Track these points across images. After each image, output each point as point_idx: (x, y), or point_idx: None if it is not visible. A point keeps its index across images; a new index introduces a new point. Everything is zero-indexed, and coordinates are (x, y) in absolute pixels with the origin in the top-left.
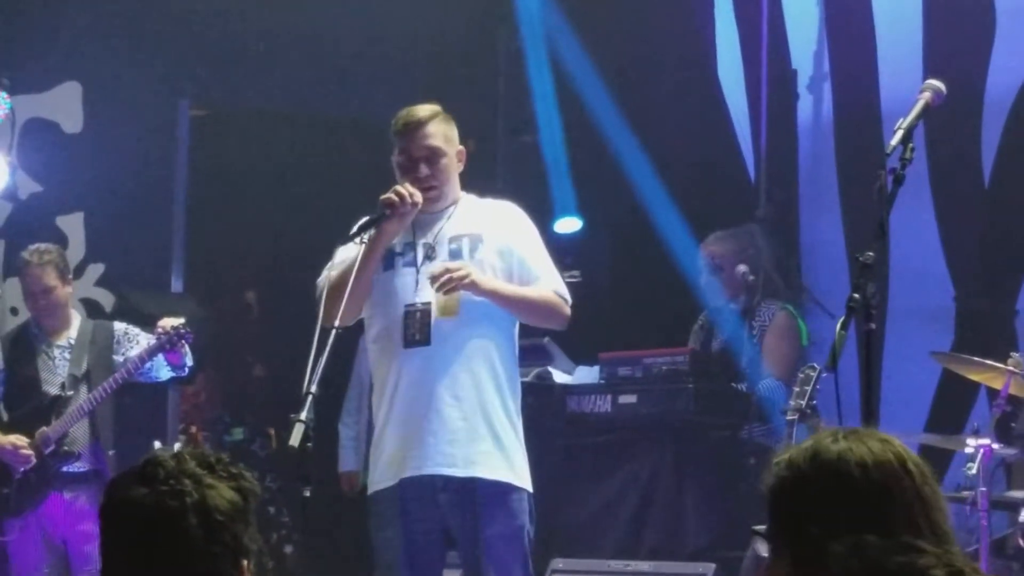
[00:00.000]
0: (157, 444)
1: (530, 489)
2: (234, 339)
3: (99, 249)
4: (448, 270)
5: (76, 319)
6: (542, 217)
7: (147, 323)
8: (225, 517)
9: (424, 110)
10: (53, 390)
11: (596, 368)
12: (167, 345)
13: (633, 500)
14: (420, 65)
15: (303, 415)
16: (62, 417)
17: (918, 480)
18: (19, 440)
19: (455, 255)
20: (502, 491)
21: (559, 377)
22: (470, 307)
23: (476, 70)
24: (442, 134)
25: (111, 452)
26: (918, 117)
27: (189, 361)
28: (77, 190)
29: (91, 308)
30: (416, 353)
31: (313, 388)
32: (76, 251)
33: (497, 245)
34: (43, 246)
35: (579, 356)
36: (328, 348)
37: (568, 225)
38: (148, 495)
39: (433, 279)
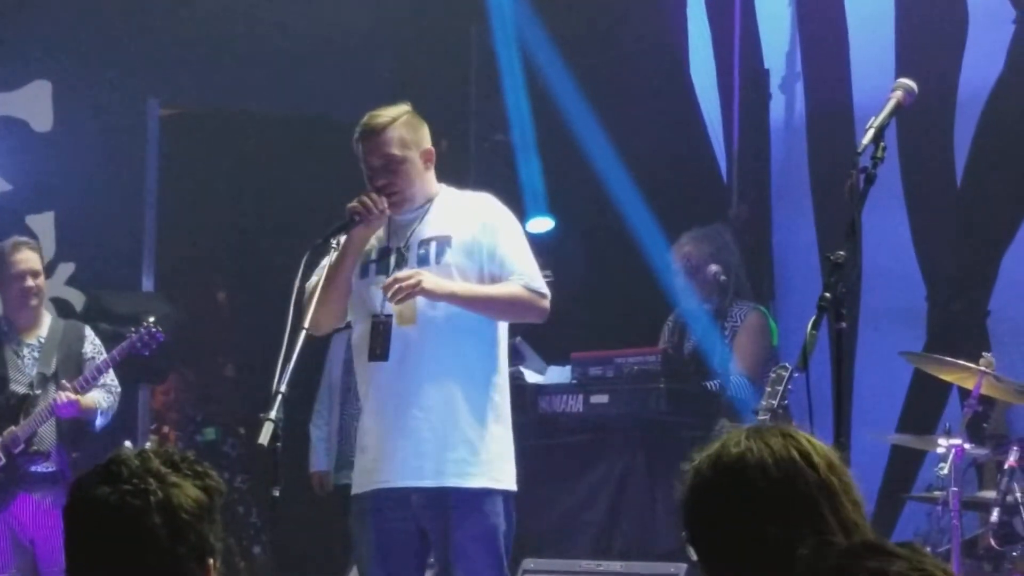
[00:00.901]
0: (128, 444)
1: (511, 489)
2: (204, 338)
3: (69, 248)
4: (396, 279)
5: (47, 318)
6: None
7: (117, 322)
8: (190, 516)
9: (382, 117)
10: (21, 389)
11: (568, 368)
12: (139, 343)
13: (605, 500)
14: (392, 64)
15: (272, 414)
16: (30, 416)
17: (823, 472)
18: None
19: (423, 261)
20: (474, 495)
21: (531, 377)
22: (430, 314)
23: (448, 69)
24: (399, 139)
25: (75, 454)
26: (890, 115)
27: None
28: (47, 189)
29: (61, 307)
30: (379, 367)
31: (283, 388)
32: (47, 250)
33: (464, 245)
34: (22, 238)
35: (551, 356)
36: (298, 349)
37: (540, 225)
38: (112, 494)
39: (385, 289)
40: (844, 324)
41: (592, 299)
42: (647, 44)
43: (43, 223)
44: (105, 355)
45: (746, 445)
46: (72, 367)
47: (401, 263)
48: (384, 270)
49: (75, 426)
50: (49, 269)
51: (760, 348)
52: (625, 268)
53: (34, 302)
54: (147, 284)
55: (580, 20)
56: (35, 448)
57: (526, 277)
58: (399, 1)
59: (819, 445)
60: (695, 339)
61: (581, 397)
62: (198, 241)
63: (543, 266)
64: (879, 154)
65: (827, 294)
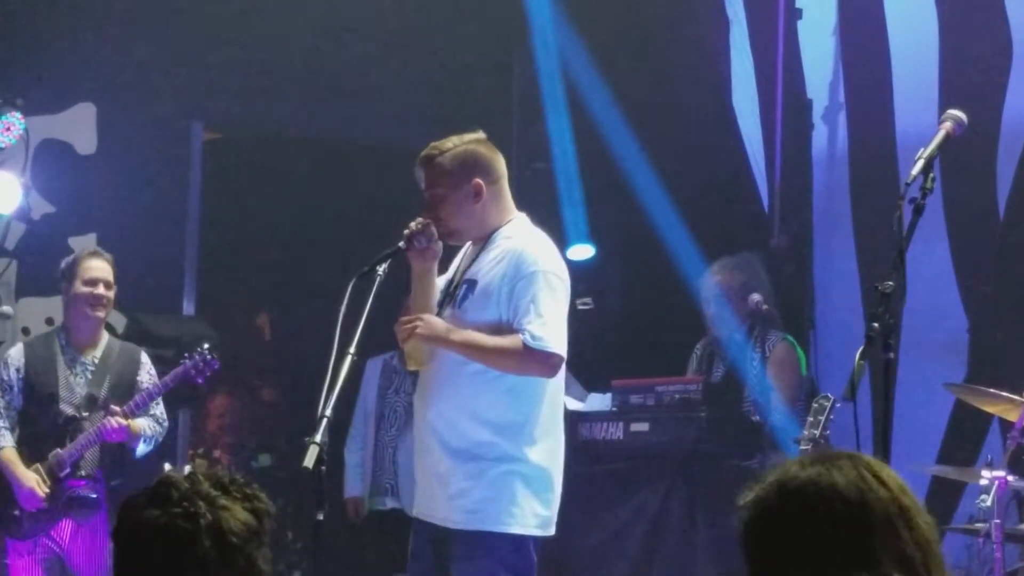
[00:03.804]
0: (167, 466)
1: (525, 534)
2: (247, 362)
3: None
4: (400, 322)
5: (105, 337)
6: (555, 244)
7: (158, 345)
8: (239, 539)
9: (432, 148)
10: (70, 410)
11: (608, 395)
12: (193, 371)
13: (643, 529)
14: (434, 91)
15: (318, 438)
16: (77, 440)
17: (896, 491)
18: (40, 484)
19: (460, 300)
20: (472, 538)
21: (571, 404)
22: (443, 356)
23: (490, 96)
24: (442, 172)
25: (114, 482)
26: (939, 147)
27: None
28: (90, 211)
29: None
30: (415, 399)
31: (328, 412)
32: None
33: (484, 291)
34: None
35: (592, 383)
36: (343, 374)
37: (581, 252)
38: (161, 516)
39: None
40: (892, 354)
41: (632, 327)
42: (690, 72)
43: (85, 245)
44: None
45: (814, 470)
46: (123, 392)
47: (449, 300)
48: (444, 303)
49: (117, 451)
50: None
51: (792, 377)
52: (666, 296)
53: (100, 313)
54: (188, 307)
55: (623, 48)
56: (81, 472)
57: (532, 332)
58: (441, 28)
59: (885, 466)
60: (725, 367)
61: (621, 425)
62: (239, 265)
63: (583, 293)
64: (928, 185)
65: (875, 324)
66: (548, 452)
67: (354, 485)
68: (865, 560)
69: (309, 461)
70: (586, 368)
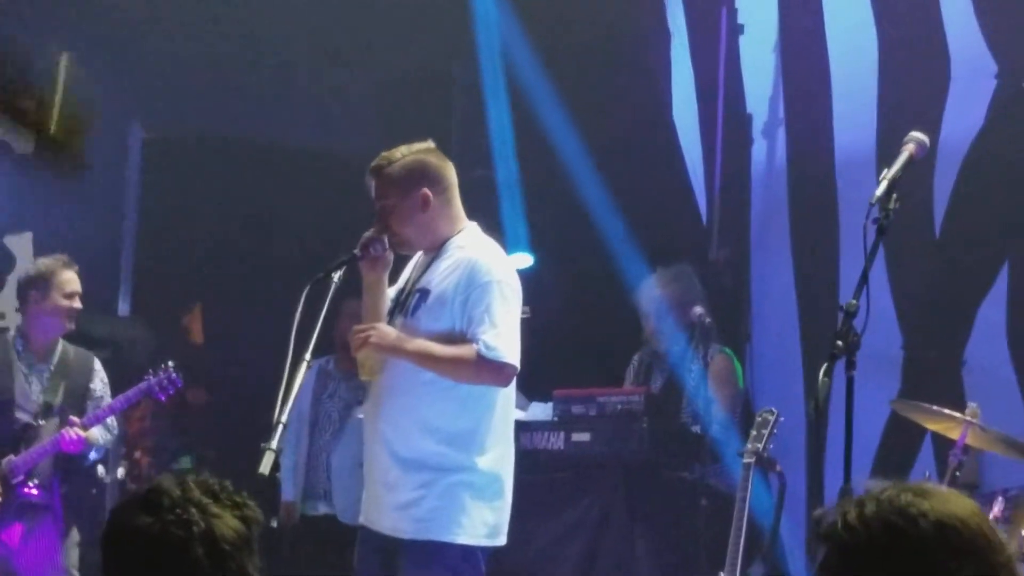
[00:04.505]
0: (101, 469)
1: (473, 544)
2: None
3: None
4: (354, 331)
5: (60, 343)
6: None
7: (92, 345)
8: (231, 546)
9: (380, 158)
10: (25, 417)
11: (550, 405)
12: (156, 387)
13: (584, 538)
14: (375, 95)
15: (273, 444)
16: (32, 448)
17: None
18: None
19: (412, 310)
20: (420, 548)
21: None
22: (395, 365)
23: (432, 102)
24: (389, 183)
25: (64, 488)
26: (903, 168)
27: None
28: (26, 209)
29: None
30: (363, 409)
31: (284, 418)
32: (24, 271)
33: (437, 301)
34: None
35: (533, 393)
36: (299, 381)
37: (520, 261)
38: (154, 524)
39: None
40: (854, 372)
41: (573, 336)
42: (631, 85)
43: (21, 244)
44: (111, 396)
45: (909, 500)
46: (77, 400)
47: (400, 310)
48: (395, 312)
49: (70, 459)
50: None
51: (730, 389)
52: (606, 305)
53: (72, 324)
54: (123, 308)
55: (565, 58)
56: (34, 480)
57: (486, 342)
58: (384, 34)
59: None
60: (663, 378)
61: (563, 435)
62: (176, 266)
63: (522, 301)
64: (892, 206)
65: (839, 342)
66: (499, 460)
67: (287, 490)
68: None
69: (265, 468)
70: (527, 377)
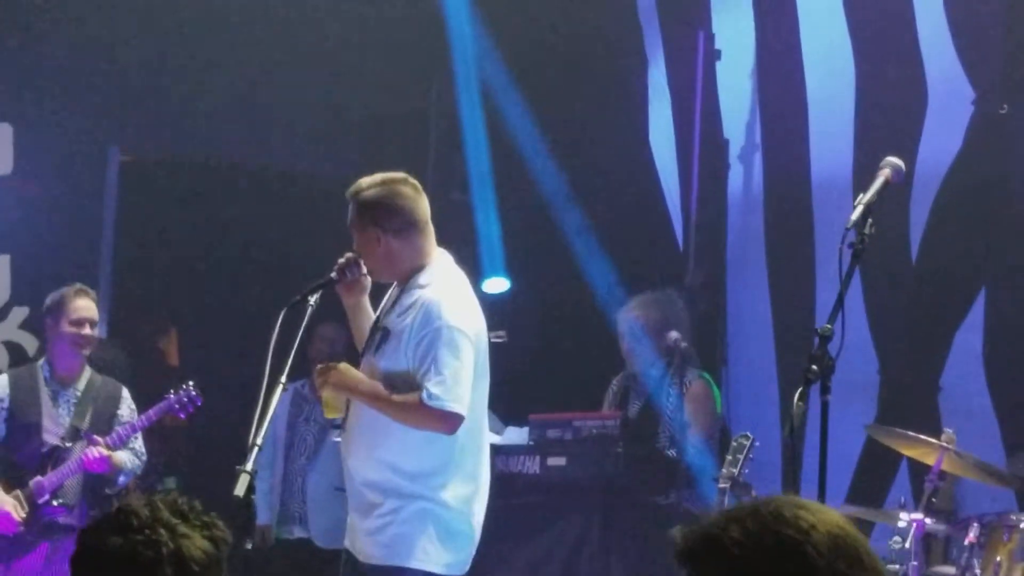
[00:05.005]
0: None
1: (434, 571)
2: (158, 385)
3: (24, 292)
4: (317, 371)
5: (87, 371)
6: (470, 277)
7: None
8: (200, 567)
9: (352, 188)
10: (52, 439)
11: (525, 429)
12: (176, 405)
13: (559, 563)
14: (352, 118)
15: (248, 466)
16: (58, 468)
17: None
18: (17, 507)
19: (376, 348)
20: (382, 572)
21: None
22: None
23: (409, 126)
24: (353, 214)
25: (93, 511)
26: (878, 193)
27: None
28: (4, 232)
29: (15, 351)
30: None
31: (259, 440)
32: (1, 293)
33: (396, 341)
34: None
35: (508, 416)
36: (275, 403)
37: (496, 285)
38: (123, 544)
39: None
40: (829, 396)
41: (549, 360)
42: (609, 109)
43: None
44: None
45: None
46: (104, 425)
47: (369, 346)
48: (366, 348)
49: (100, 483)
50: (3, 312)
51: (708, 414)
52: (582, 330)
53: (86, 351)
54: (100, 330)
55: (543, 83)
56: (60, 500)
57: (430, 391)
58: (361, 58)
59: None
60: (640, 402)
61: (538, 459)
62: (153, 289)
63: (498, 326)
64: (868, 231)
65: (814, 367)
66: (467, 498)
67: (262, 513)
68: None
69: (240, 490)
70: (503, 401)
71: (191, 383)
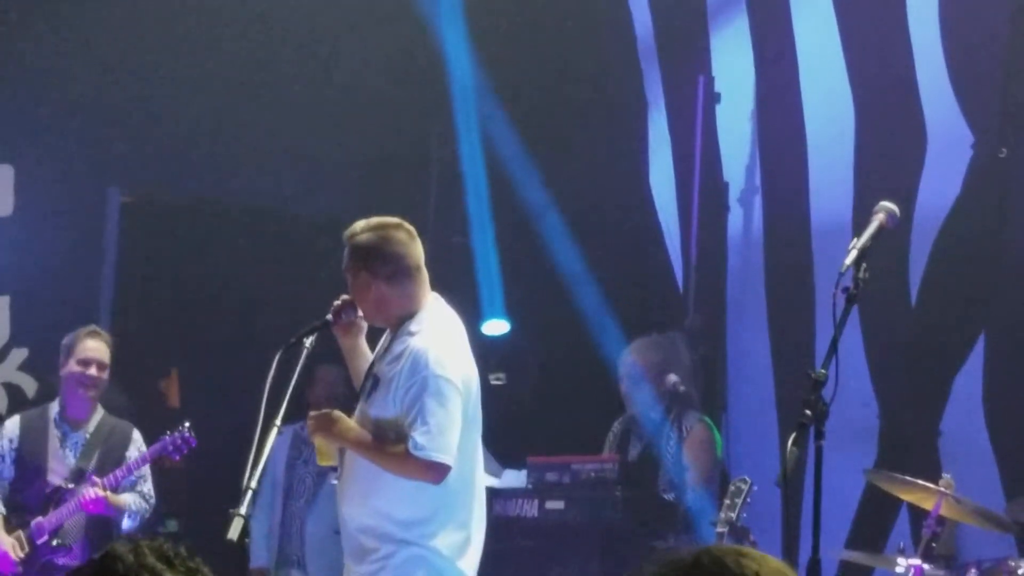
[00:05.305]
0: None
1: None
2: (158, 427)
3: (24, 334)
4: (309, 418)
5: (99, 413)
6: (470, 319)
7: None
8: None
9: (347, 231)
10: (57, 480)
11: (524, 472)
12: (171, 447)
13: None
14: (354, 161)
15: (242, 509)
16: (59, 509)
17: None
18: (16, 547)
19: (368, 394)
20: None
21: (486, 480)
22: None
23: (410, 169)
24: (346, 257)
25: (97, 555)
26: (872, 238)
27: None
28: (4, 273)
29: (13, 393)
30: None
31: (253, 483)
32: (0, 335)
33: (386, 390)
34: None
35: (507, 459)
36: (269, 446)
37: (496, 327)
38: None
39: None
40: (823, 441)
41: (548, 403)
42: (608, 152)
43: None
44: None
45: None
46: (111, 467)
47: (362, 393)
48: (360, 393)
49: (103, 525)
50: (2, 354)
51: (708, 458)
52: (581, 373)
53: (91, 393)
54: None
55: (543, 126)
56: (59, 541)
57: (416, 441)
58: (364, 101)
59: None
60: (641, 447)
61: (536, 502)
62: (153, 331)
63: (497, 368)
64: (862, 275)
65: (807, 412)
66: (456, 545)
67: (259, 555)
68: None
69: (234, 533)
70: (501, 444)
71: (187, 424)
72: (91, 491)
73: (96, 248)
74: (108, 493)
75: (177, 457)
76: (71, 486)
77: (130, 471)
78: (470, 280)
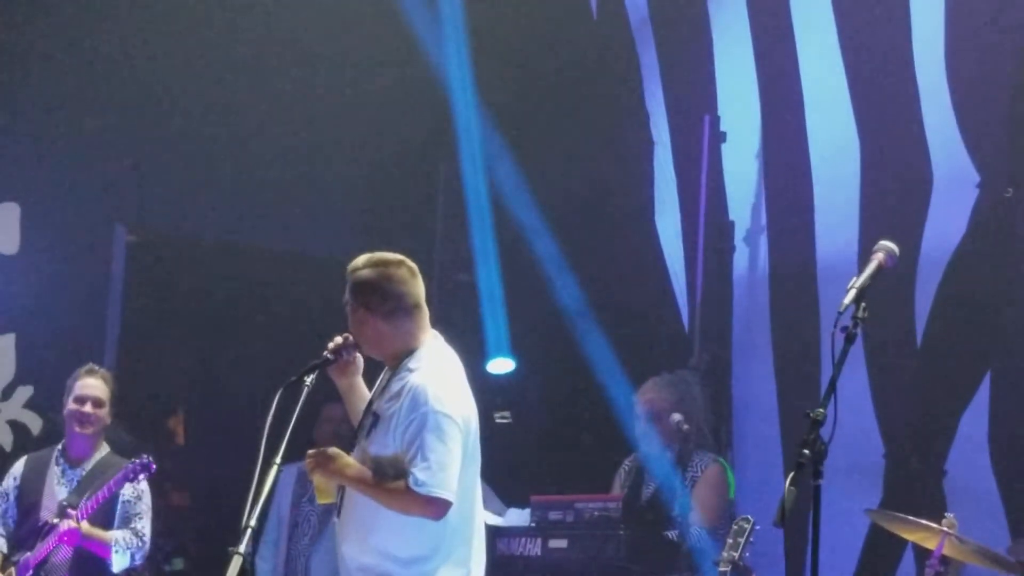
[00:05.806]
0: None
1: None
2: (164, 466)
3: (29, 371)
4: (307, 456)
5: (102, 451)
6: (475, 357)
7: None
8: None
9: (350, 265)
10: (47, 515)
11: (527, 511)
12: (131, 474)
13: None
14: (359, 200)
15: (242, 548)
16: (44, 542)
17: None
18: None
19: (367, 432)
20: None
21: (489, 519)
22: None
23: (415, 207)
24: (347, 292)
25: None
26: (871, 276)
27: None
28: (10, 311)
29: (18, 430)
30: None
31: (252, 522)
32: (5, 373)
33: (386, 427)
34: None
35: (510, 498)
36: (268, 484)
37: (501, 366)
38: None
39: None
40: (821, 481)
41: (553, 442)
42: (613, 191)
43: (3, 345)
44: (148, 503)
45: None
46: (106, 504)
47: (360, 430)
48: (359, 431)
49: (91, 562)
50: (7, 392)
51: (719, 500)
52: (586, 411)
53: (88, 430)
54: None
55: (549, 165)
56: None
57: (416, 477)
58: (369, 139)
59: None
60: (654, 485)
61: (540, 541)
62: (159, 369)
63: (502, 407)
64: (861, 314)
65: (805, 451)
66: None
67: None
68: None
69: (232, 572)
70: (505, 482)
71: (146, 456)
72: (65, 523)
73: (102, 286)
74: (82, 524)
75: (136, 480)
76: (55, 520)
77: (98, 501)
78: (475, 318)
